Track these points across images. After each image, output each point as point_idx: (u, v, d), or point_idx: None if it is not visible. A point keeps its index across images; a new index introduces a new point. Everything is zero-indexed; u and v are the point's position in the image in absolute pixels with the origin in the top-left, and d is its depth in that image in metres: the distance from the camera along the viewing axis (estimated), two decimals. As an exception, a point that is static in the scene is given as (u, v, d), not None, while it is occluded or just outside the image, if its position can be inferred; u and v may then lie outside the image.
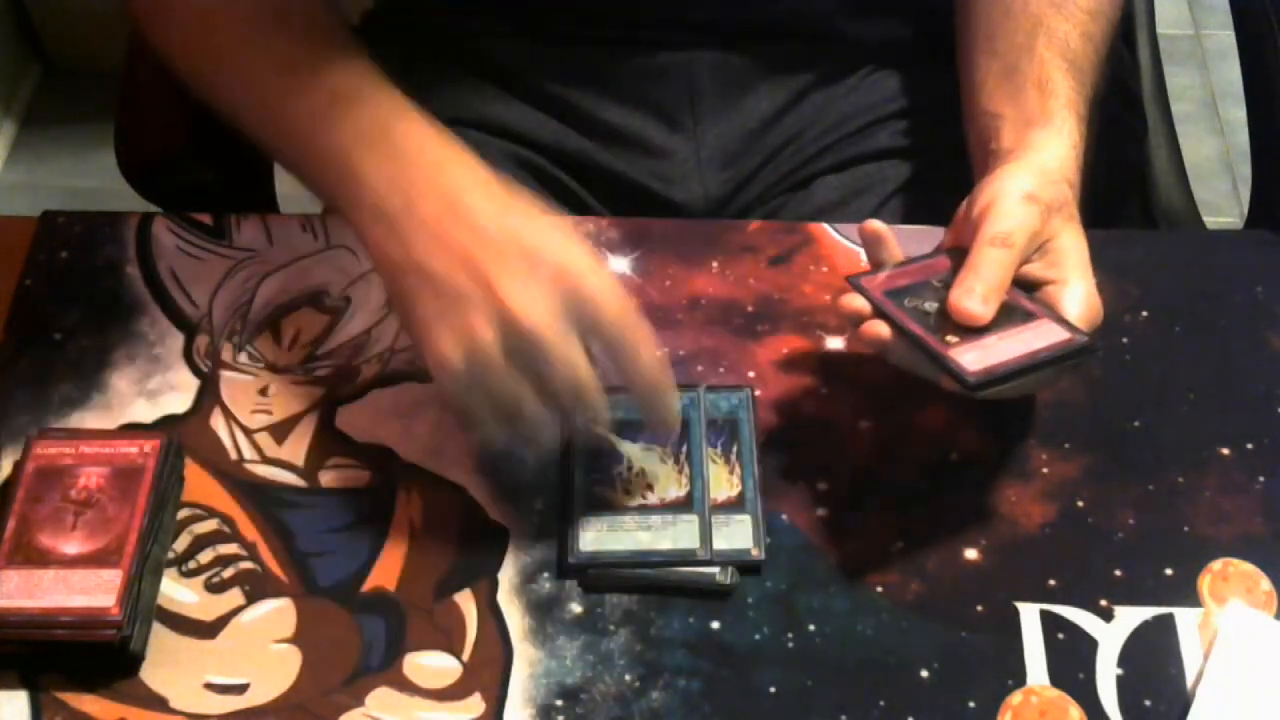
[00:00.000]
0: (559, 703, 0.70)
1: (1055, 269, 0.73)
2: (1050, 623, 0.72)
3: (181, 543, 0.75)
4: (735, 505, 0.75)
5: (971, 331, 0.70)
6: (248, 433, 0.79)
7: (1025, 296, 0.72)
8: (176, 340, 0.82)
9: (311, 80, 0.76)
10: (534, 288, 0.68)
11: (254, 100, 0.78)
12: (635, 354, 0.70)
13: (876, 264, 0.77)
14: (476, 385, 0.69)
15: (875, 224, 0.77)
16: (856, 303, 0.74)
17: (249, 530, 0.75)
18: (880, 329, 0.72)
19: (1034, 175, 0.74)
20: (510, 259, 0.69)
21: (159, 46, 0.83)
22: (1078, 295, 0.72)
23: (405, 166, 0.73)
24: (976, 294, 0.70)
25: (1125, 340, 0.83)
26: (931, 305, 0.72)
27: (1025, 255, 0.72)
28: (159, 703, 0.70)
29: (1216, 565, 0.74)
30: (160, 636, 0.71)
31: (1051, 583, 0.73)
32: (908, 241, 0.78)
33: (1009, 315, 0.71)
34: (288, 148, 0.78)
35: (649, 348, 0.70)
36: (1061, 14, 0.82)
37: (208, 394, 0.80)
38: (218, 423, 0.79)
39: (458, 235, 0.71)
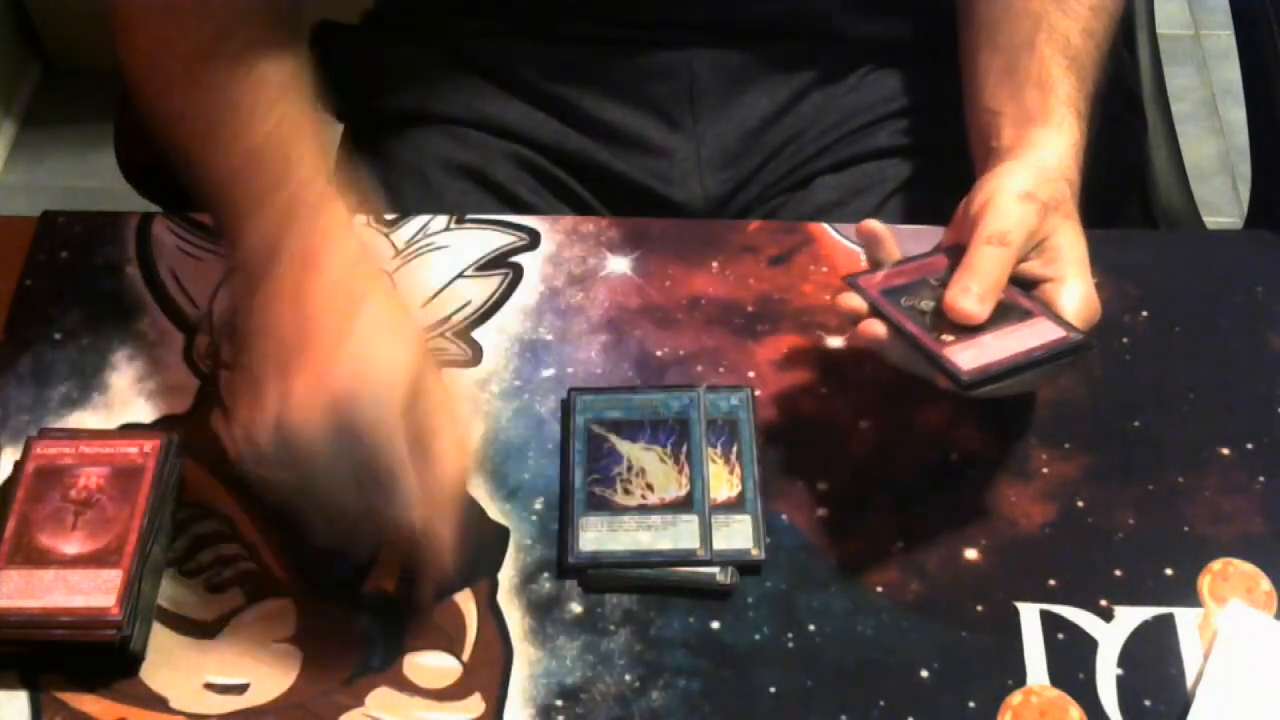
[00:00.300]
0: (559, 703, 0.70)
1: (1053, 267, 0.73)
2: (1050, 623, 0.72)
3: (181, 543, 0.75)
4: (735, 505, 0.75)
5: (968, 330, 0.70)
6: (248, 433, 0.79)
7: (1022, 294, 0.72)
8: (176, 340, 0.82)
9: (232, 138, 0.74)
10: (315, 394, 0.66)
11: (182, 142, 0.77)
12: (388, 495, 0.67)
13: (875, 263, 0.77)
14: (259, 471, 0.68)
15: (873, 224, 0.77)
16: (854, 302, 0.74)
17: (249, 530, 0.75)
18: (877, 328, 0.72)
19: (1032, 173, 0.74)
20: (313, 352, 0.67)
21: (120, 52, 0.80)
22: (1075, 293, 0.72)
23: (281, 230, 0.71)
24: (973, 293, 0.70)
25: (1125, 340, 0.83)
26: (928, 304, 0.72)
27: (1022, 253, 0.72)
28: (159, 703, 0.70)
29: (1216, 565, 0.74)
30: (160, 636, 0.71)
31: (1051, 583, 0.73)
32: (907, 241, 0.78)
33: (1005, 313, 0.71)
34: (200, 188, 0.76)
35: (405, 488, 0.66)
36: (1063, 10, 0.82)
37: (208, 394, 0.80)
38: (218, 423, 0.79)
39: (286, 314, 0.69)
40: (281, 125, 0.74)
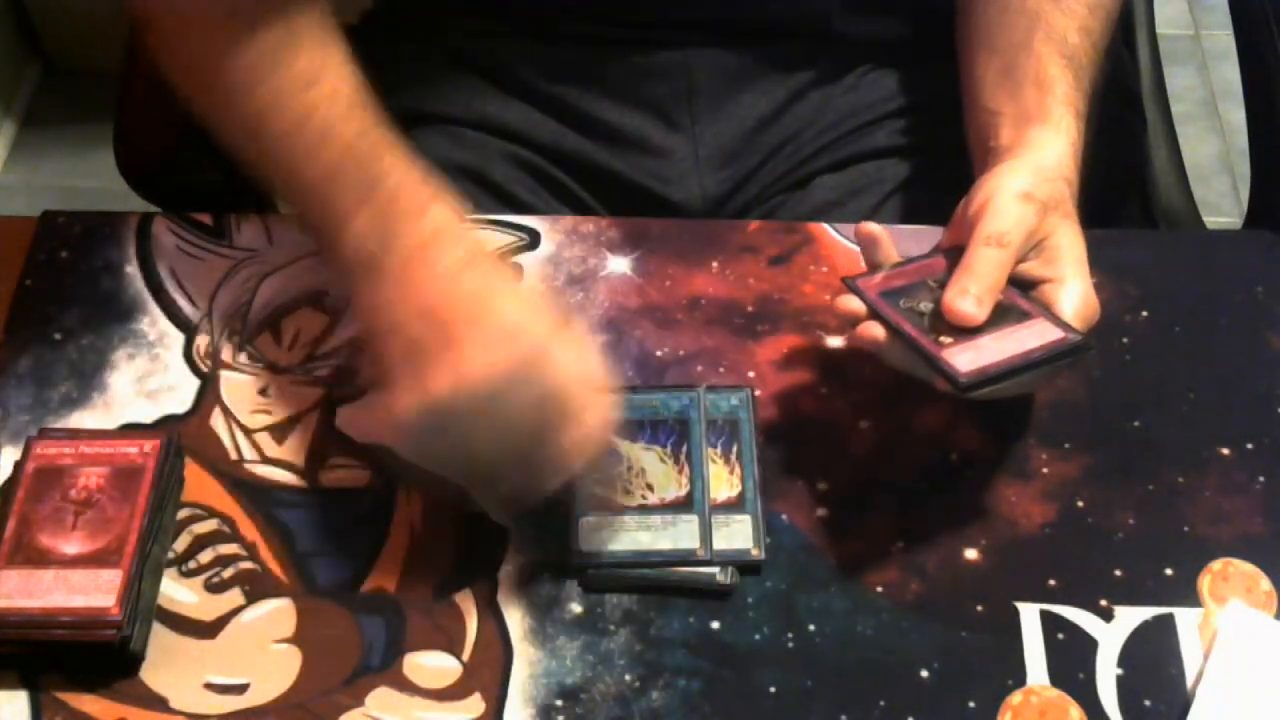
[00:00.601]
0: (559, 703, 0.70)
1: (1051, 267, 0.73)
2: (1050, 623, 0.72)
3: (181, 543, 0.75)
4: (735, 505, 0.75)
5: (965, 331, 0.70)
6: (248, 433, 0.79)
7: (1021, 295, 0.72)
8: (176, 340, 0.82)
9: (317, 143, 0.74)
10: (487, 350, 0.67)
11: (254, 144, 0.77)
12: (569, 426, 0.68)
13: (873, 265, 0.77)
14: (430, 445, 0.68)
15: (871, 226, 0.77)
16: (852, 304, 0.74)
17: (249, 530, 0.75)
18: (875, 330, 0.72)
19: (1031, 173, 0.74)
20: (467, 319, 0.68)
21: (163, 65, 0.80)
22: (1074, 293, 0.72)
23: (387, 214, 0.72)
24: (970, 295, 0.70)
25: (1125, 340, 0.83)
26: (927, 305, 0.72)
27: (1021, 254, 0.72)
28: (159, 703, 0.70)
29: (1216, 565, 0.74)
30: (160, 636, 0.71)
31: (1051, 583, 0.73)
32: (906, 241, 0.78)
33: (1004, 314, 0.71)
34: (282, 184, 0.77)
35: (590, 415, 0.69)
36: (1060, 9, 0.82)
37: (208, 394, 0.80)
38: (218, 423, 0.79)
39: (424, 283, 0.70)
40: (365, 125, 0.75)
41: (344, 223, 0.73)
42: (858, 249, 0.79)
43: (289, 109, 0.74)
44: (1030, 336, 0.70)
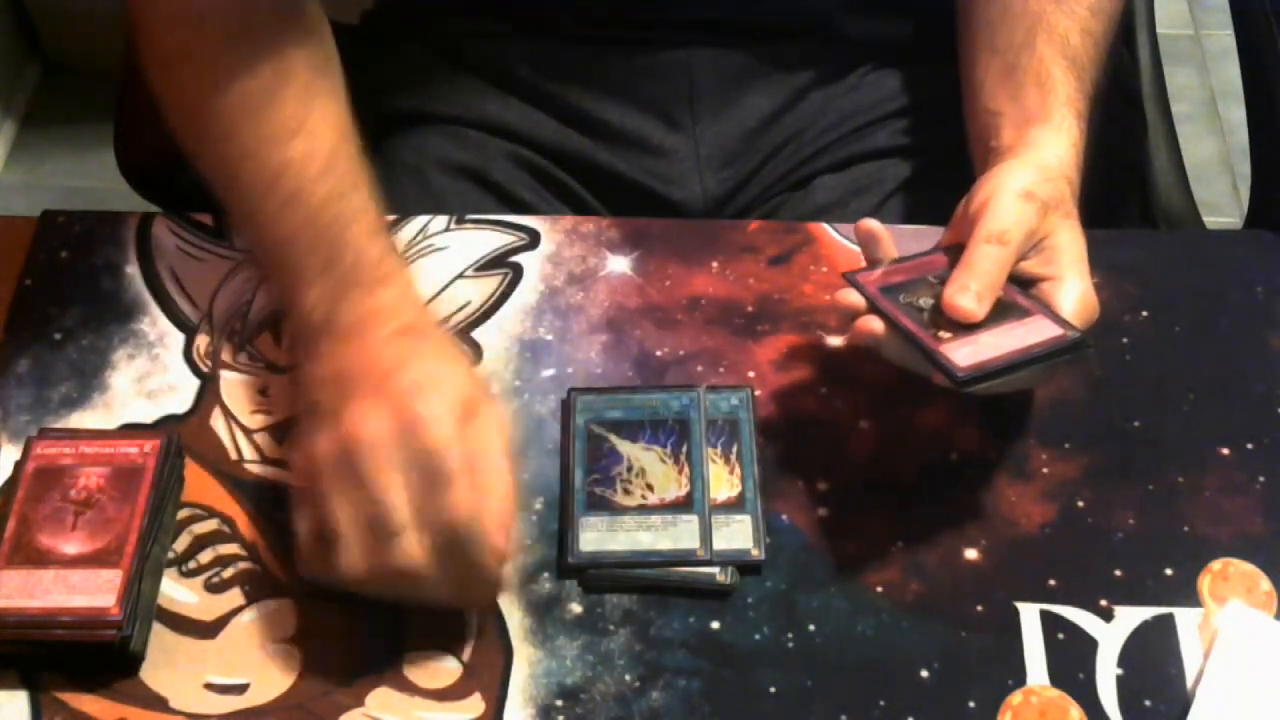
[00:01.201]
0: (559, 703, 0.70)
1: (1051, 266, 0.73)
2: (1050, 623, 0.72)
3: (181, 543, 0.75)
4: (735, 505, 0.75)
5: (965, 327, 0.70)
6: (248, 433, 0.79)
7: (1021, 293, 0.72)
8: (176, 340, 0.82)
9: (286, 204, 0.75)
10: (378, 409, 0.67)
11: (229, 190, 0.78)
12: (440, 488, 0.66)
13: (873, 261, 0.77)
14: (317, 491, 0.68)
15: (870, 223, 0.77)
16: (852, 298, 0.74)
17: (249, 530, 0.75)
18: (874, 324, 0.72)
19: (1032, 172, 0.75)
20: (370, 379, 0.69)
21: (154, 91, 0.80)
22: (1073, 292, 0.72)
23: (341, 286, 0.73)
24: (971, 291, 0.70)
25: (1125, 340, 0.83)
26: (927, 301, 0.72)
27: (1021, 252, 0.72)
28: (159, 703, 0.70)
29: (1216, 565, 0.74)
30: (160, 636, 0.71)
31: (1051, 583, 0.73)
32: (907, 241, 0.78)
33: (1003, 311, 0.71)
34: (251, 236, 0.78)
35: (461, 484, 0.67)
36: (1062, 10, 0.83)
37: (208, 394, 0.80)
38: (218, 423, 0.79)
39: (349, 357, 0.71)
40: (335, 191, 0.75)
41: (301, 288, 0.74)
42: (858, 249, 0.79)
43: (264, 162, 0.75)
44: (1029, 333, 0.70)
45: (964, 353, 0.69)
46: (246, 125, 0.76)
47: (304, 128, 0.76)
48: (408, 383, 0.68)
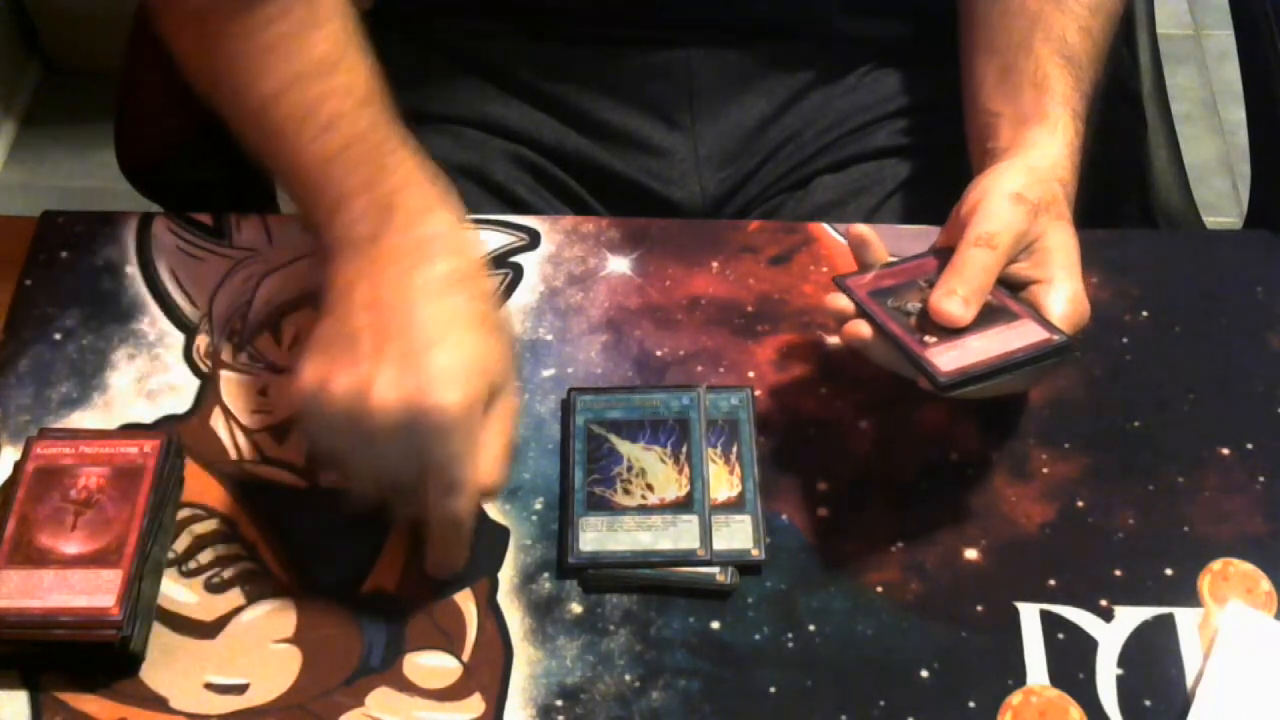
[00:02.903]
0: (559, 703, 0.70)
1: (1042, 268, 0.73)
2: (1050, 623, 0.72)
3: (181, 543, 0.75)
4: (735, 505, 0.75)
5: (951, 331, 0.70)
6: (248, 433, 0.79)
7: (1010, 296, 0.72)
8: (176, 340, 0.82)
9: (326, 128, 0.74)
10: (407, 380, 0.66)
11: (262, 124, 0.76)
12: (444, 492, 0.68)
13: (864, 266, 0.77)
14: (318, 422, 0.68)
15: (861, 228, 0.77)
16: (840, 302, 0.74)
17: (249, 530, 0.75)
18: (861, 328, 0.72)
19: (1023, 174, 0.75)
20: (407, 338, 0.67)
21: (175, 45, 0.80)
22: (1063, 295, 0.72)
23: (389, 204, 0.72)
24: (957, 296, 0.70)
25: (1125, 340, 0.83)
26: (915, 305, 0.72)
27: (1011, 255, 0.72)
28: (159, 703, 0.70)
29: (1216, 565, 0.74)
30: (160, 636, 0.71)
31: (1051, 583, 0.73)
32: (905, 241, 0.78)
33: (991, 315, 0.71)
34: (285, 165, 0.76)
35: (469, 494, 0.68)
36: (1060, 10, 0.83)
37: (208, 394, 0.80)
38: (218, 423, 0.79)
39: (390, 294, 0.69)
40: (377, 120, 0.74)
41: (343, 201, 0.72)
42: (855, 251, 0.79)
43: (303, 93, 0.74)
44: (1015, 337, 0.70)
45: (947, 357, 0.69)
46: (281, 61, 0.75)
47: (343, 63, 0.75)
48: (442, 366, 0.66)
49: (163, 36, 0.80)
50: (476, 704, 0.70)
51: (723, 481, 0.76)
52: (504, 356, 0.70)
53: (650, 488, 0.75)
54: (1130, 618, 0.72)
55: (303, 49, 0.75)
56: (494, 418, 0.69)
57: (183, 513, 0.76)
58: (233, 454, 0.78)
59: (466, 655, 0.71)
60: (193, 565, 0.74)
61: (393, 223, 0.71)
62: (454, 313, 0.69)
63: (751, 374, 0.81)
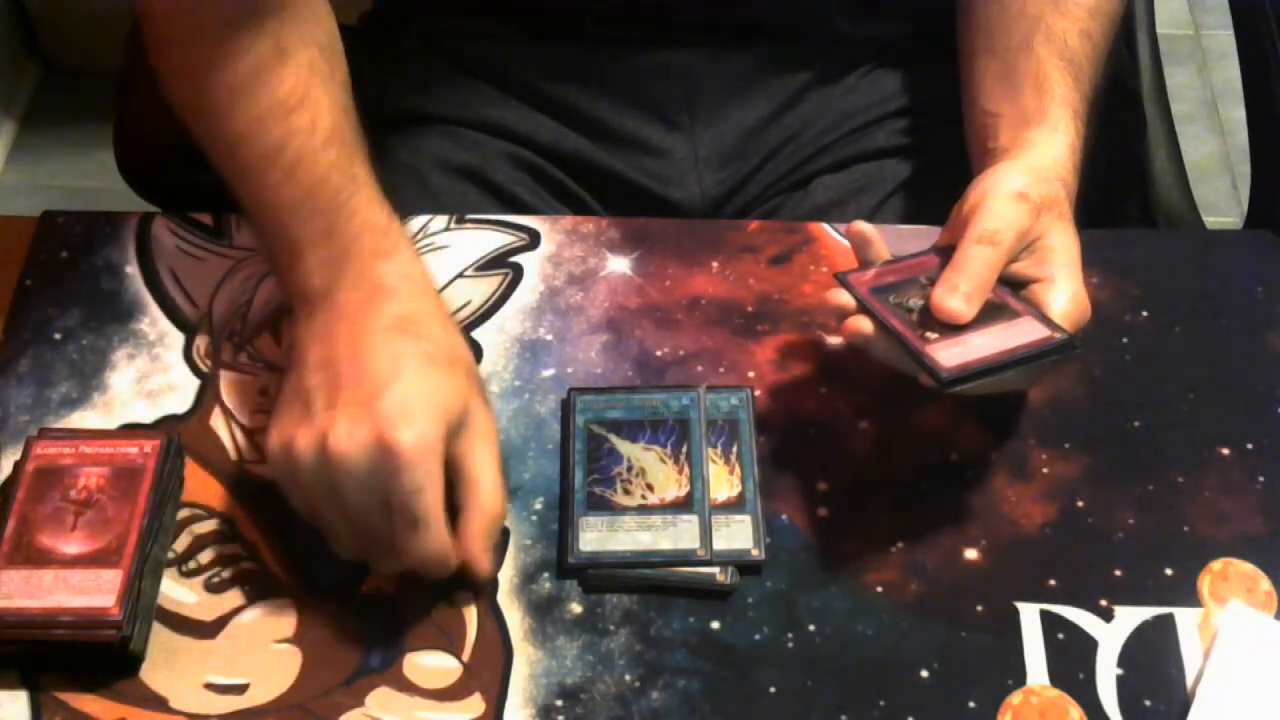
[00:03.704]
0: (559, 703, 0.70)
1: (1043, 267, 0.73)
2: (1050, 623, 0.72)
3: (181, 543, 0.75)
4: (735, 505, 0.75)
5: (952, 328, 0.70)
6: (248, 433, 0.79)
7: (1011, 294, 0.72)
8: (176, 340, 0.82)
9: (289, 172, 0.75)
10: (359, 427, 0.67)
11: (231, 162, 0.77)
12: (410, 529, 0.68)
13: (865, 263, 0.77)
14: (290, 484, 0.69)
15: (862, 225, 0.77)
16: (842, 298, 0.74)
17: (249, 530, 0.75)
18: (862, 324, 0.72)
19: (1025, 173, 0.75)
20: (359, 388, 0.68)
21: (158, 72, 0.81)
22: (1064, 293, 0.72)
23: (343, 256, 0.73)
24: (959, 292, 0.70)
25: (1125, 340, 0.83)
26: (916, 302, 0.72)
27: (1013, 254, 0.72)
28: (159, 703, 0.70)
29: (1216, 565, 0.74)
30: (160, 636, 0.71)
31: (1051, 583, 0.73)
32: (905, 240, 0.78)
33: (992, 313, 0.71)
34: (250, 206, 0.77)
35: (435, 528, 0.68)
36: (1060, 12, 0.83)
37: (208, 394, 0.80)
38: (218, 423, 0.79)
39: (342, 345, 0.70)
40: (339, 160, 0.75)
41: (300, 254, 0.74)
42: (856, 250, 0.79)
43: (267, 133, 0.75)
44: (1016, 334, 0.70)
45: (949, 354, 0.69)
46: (247, 101, 0.76)
47: (306, 101, 0.76)
48: (393, 405, 0.67)
49: (152, 57, 0.80)
50: (476, 704, 0.70)
51: (723, 481, 0.76)
52: (461, 387, 0.71)
53: (650, 488, 0.75)
54: (1130, 618, 0.72)
55: (266, 86, 0.76)
56: (474, 445, 0.70)
57: (183, 513, 0.76)
58: (233, 454, 0.78)
59: (466, 655, 0.71)
60: (193, 565, 0.74)
61: (346, 274, 0.72)
62: (402, 354, 0.70)
63: (751, 374, 0.81)
